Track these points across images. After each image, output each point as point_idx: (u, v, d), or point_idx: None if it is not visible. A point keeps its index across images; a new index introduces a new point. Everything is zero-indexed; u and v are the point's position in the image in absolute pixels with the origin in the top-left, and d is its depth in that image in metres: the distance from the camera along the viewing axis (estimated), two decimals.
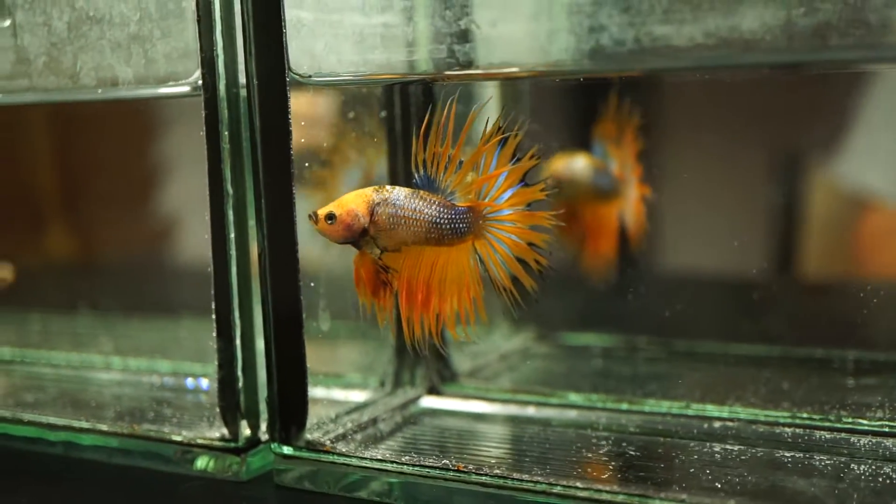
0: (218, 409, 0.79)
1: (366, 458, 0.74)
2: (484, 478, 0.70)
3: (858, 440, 0.75)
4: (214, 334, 0.77)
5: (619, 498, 0.67)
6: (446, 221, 0.70)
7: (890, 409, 0.78)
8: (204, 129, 0.75)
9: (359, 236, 0.70)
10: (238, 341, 0.77)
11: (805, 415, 0.79)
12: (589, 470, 0.73)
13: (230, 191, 0.75)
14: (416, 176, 0.70)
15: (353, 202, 0.70)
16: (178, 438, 0.80)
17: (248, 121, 0.74)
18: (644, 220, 0.88)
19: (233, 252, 0.76)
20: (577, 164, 0.88)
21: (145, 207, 1.02)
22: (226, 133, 0.75)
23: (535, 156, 0.69)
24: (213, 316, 0.77)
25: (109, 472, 0.81)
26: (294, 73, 0.73)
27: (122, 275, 1.06)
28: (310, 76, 0.73)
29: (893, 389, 0.84)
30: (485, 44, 0.75)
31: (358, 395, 0.84)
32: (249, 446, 0.78)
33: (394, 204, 0.70)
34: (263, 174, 0.74)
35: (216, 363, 0.78)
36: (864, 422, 0.77)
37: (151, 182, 1.00)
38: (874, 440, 0.75)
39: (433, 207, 0.70)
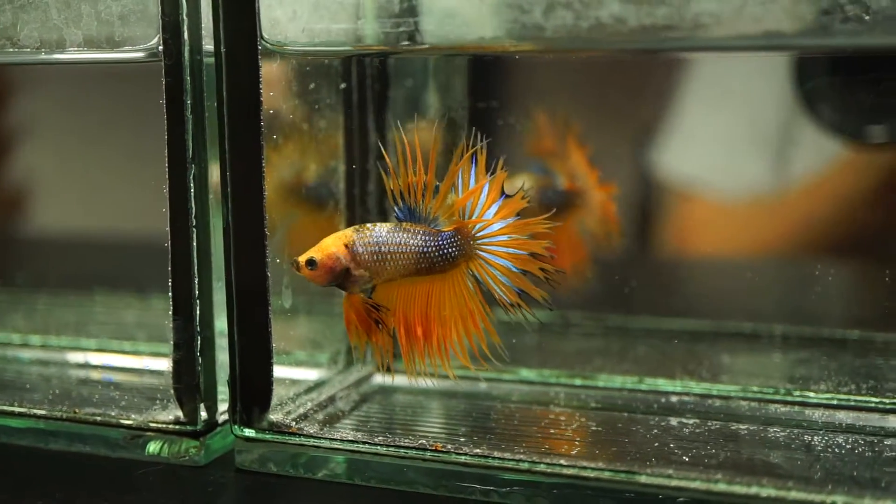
0: (172, 391, 0.75)
1: (336, 440, 0.72)
2: (463, 457, 0.70)
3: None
4: (171, 313, 0.74)
5: (590, 473, 0.67)
6: (434, 249, 0.69)
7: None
8: (164, 97, 0.71)
9: (343, 278, 0.70)
10: (198, 320, 0.74)
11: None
12: (555, 445, 0.73)
13: (192, 162, 0.72)
14: (396, 209, 0.69)
15: (332, 245, 0.70)
16: (128, 422, 0.76)
17: (217, 90, 0.70)
18: (616, 220, 0.87)
19: (194, 227, 0.73)
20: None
21: (84, 178, 0.96)
22: (189, 102, 0.71)
23: (504, 166, 0.68)
24: (170, 294, 0.74)
25: (51, 459, 0.77)
26: (266, 42, 0.70)
27: (48, 249, 1.00)
28: (284, 45, 0.70)
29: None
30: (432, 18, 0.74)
31: (311, 374, 0.82)
32: (208, 429, 0.75)
33: (375, 241, 0.69)
34: (230, 146, 0.71)
35: (172, 343, 0.74)
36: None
37: (93, 152, 0.94)
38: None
39: (418, 237, 0.69)
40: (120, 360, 0.90)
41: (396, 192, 0.69)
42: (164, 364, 0.86)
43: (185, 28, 0.70)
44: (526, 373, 0.85)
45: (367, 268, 0.70)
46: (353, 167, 0.83)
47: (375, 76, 0.84)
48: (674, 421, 0.76)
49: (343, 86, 0.81)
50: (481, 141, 0.68)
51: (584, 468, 0.67)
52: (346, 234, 0.70)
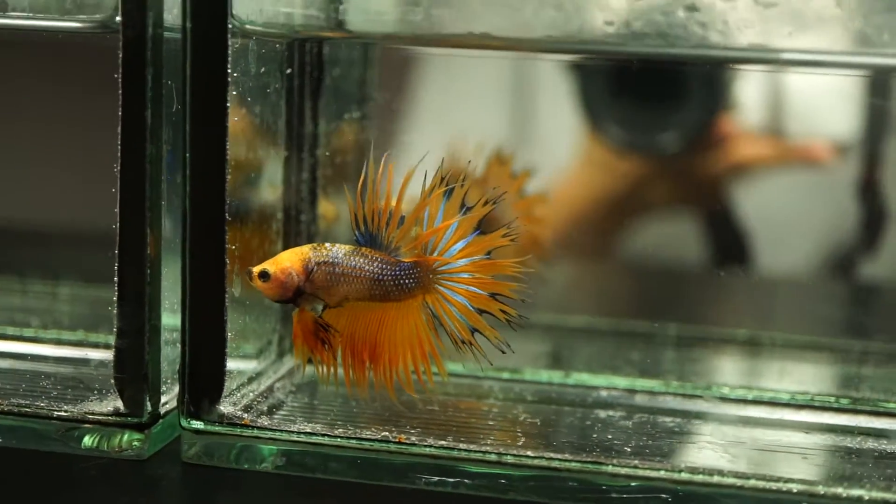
0: (113, 381, 0.72)
1: (291, 432, 0.71)
2: (428, 449, 0.69)
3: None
4: (115, 299, 0.70)
5: (527, 461, 0.68)
6: (389, 278, 0.69)
7: None
8: (121, 71, 0.68)
9: (295, 294, 0.70)
10: (147, 308, 0.70)
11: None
12: (500, 436, 0.73)
13: (150, 143, 0.68)
14: (357, 233, 0.69)
15: (288, 260, 0.70)
16: (62, 414, 0.72)
17: (182, 68, 0.67)
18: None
19: (147, 211, 0.69)
20: None
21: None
22: (149, 79, 0.68)
23: (488, 202, 0.68)
24: (116, 279, 0.70)
25: None
26: (236, 20, 0.67)
27: None
28: (256, 24, 0.68)
29: None
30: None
31: (243, 364, 0.80)
32: (153, 421, 0.72)
33: (332, 262, 0.69)
34: (192, 127, 0.68)
35: (115, 330, 0.71)
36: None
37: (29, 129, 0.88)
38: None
39: (375, 264, 0.69)
40: (42, 349, 0.85)
41: (360, 217, 0.69)
42: (94, 354, 0.83)
43: None
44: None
45: (320, 287, 0.70)
46: (292, 155, 0.81)
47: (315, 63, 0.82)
48: None
49: (288, 71, 0.79)
50: (461, 176, 0.68)
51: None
52: (303, 251, 0.70)
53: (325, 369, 0.71)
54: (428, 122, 0.93)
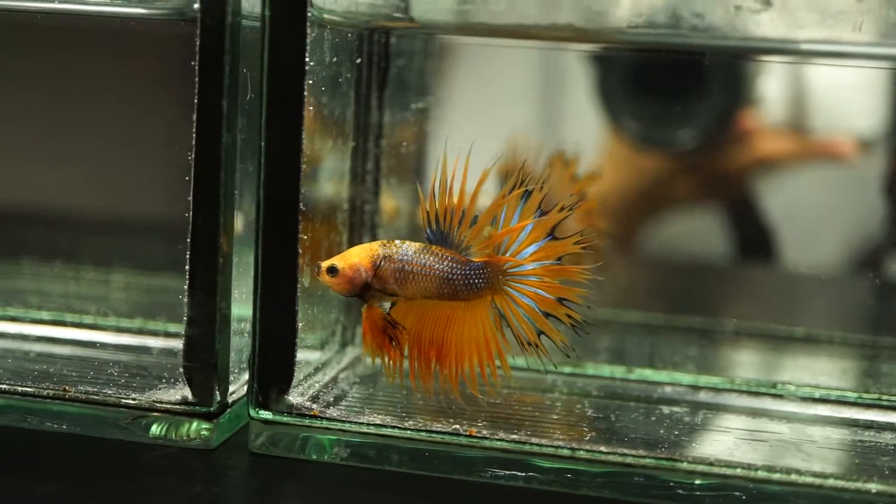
0: (182, 370, 0.71)
1: (361, 424, 0.70)
2: (500, 443, 0.69)
3: None
4: (186, 287, 0.70)
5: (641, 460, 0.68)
6: (460, 277, 0.69)
7: None
8: (198, 59, 0.67)
9: (362, 290, 0.69)
10: (218, 297, 0.70)
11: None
12: (567, 430, 0.73)
13: (225, 130, 0.68)
14: (428, 230, 0.69)
15: (357, 256, 0.69)
16: (130, 402, 0.72)
17: (260, 56, 0.67)
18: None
19: (221, 199, 0.69)
20: None
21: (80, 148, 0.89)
22: (227, 66, 0.67)
23: (564, 208, 0.68)
24: (187, 267, 0.70)
25: (45, 440, 0.72)
26: (314, 9, 0.67)
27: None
28: (334, 13, 0.68)
29: None
30: None
31: (310, 355, 0.79)
32: (221, 410, 0.72)
33: (401, 259, 0.69)
34: (268, 115, 0.68)
35: (185, 319, 0.71)
36: None
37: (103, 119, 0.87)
38: None
39: (445, 263, 0.69)
40: (109, 337, 0.84)
41: (431, 215, 0.69)
42: (158, 342, 0.83)
43: None
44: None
45: (388, 284, 0.69)
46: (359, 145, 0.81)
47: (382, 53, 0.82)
48: None
49: (358, 60, 0.79)
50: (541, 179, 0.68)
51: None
52: (371, 248, 0.70)
53: (392, 365, 0.70)
54: (483, 114, 0.92)
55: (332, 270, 0.70)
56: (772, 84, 0.90)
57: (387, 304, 0.71)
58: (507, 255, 0.69)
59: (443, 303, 0.70)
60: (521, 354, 0.71)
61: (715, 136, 0.90)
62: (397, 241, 0.70)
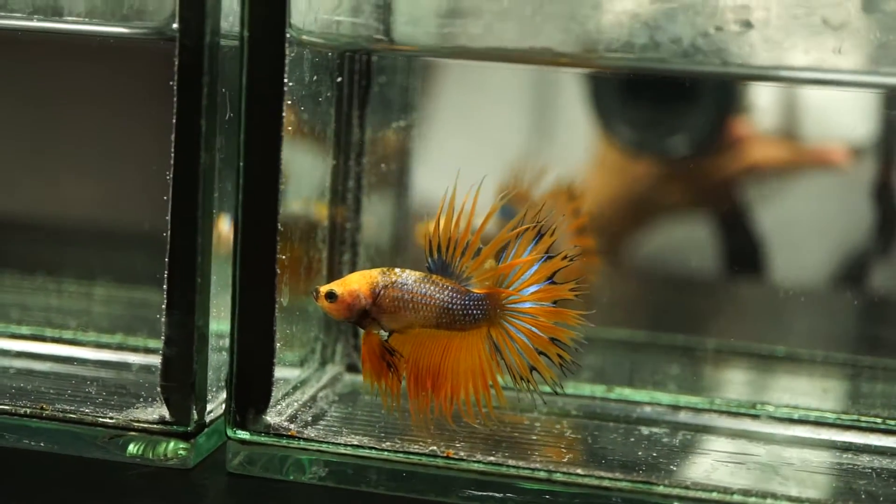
0: (159, 389, 0.71)
1: (340, 444, 0.70)
2: (475, 465, 0.69)
3: None
4: (164, 306, 0.70)
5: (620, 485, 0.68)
6: (459, 307, 0.69)
7: None
8: (176, 78, 0.67)
9: (360, 317, 0.69)
10: (196, 316, 0.70)
11: None
12: (546, 451, 0.73)
13: (205, 150, 0.68)
14: (430, 260, 0.69)
15: (356, 282, 0.69)
16: (107, 421, 0.72)
17: (238, 75, 0.67)
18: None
19: (199, 219, 0.69)
20: None
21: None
22: (205, 86, 0.67)
23: (567, 257, 0.69)
24: (165, 287, 0.70)
25: (21, 458, 0.72)
26: (293, 30, 0.67)
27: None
28: (313, 32, 0.68)
29: None
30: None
31: (288, 373, 0.79)
32: (198, 430, 0.72)
33: (400, 287, 0.69)
34: (247, 136, 0.68)
35: (163, 338, 0.70)
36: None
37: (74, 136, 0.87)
38: None
39: (445, 293, 0.69)
40: (89, 352, 0.84)
41: (434, 244, 0.69)
42: (138, 358, 0.83)
43: (207, 4, 0.66)
44: None
45: (386, 312, 0.69)
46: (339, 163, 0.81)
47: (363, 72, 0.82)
48: None
49: (339, 79, 0.79)
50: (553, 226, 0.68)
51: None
52: (371, 275, 0.70)
53: (389, 394, 0.70)
54: (467, 132, 0.92)
55: (331, 296, 0.70)
56: (761, 96, 0.91)
57: (383, 333, 0.71)
58: (511, 289, 0.69)
59: (439, 332, 0.70)
60: (513, 387, 0.71)
61: (707, 144, 0.90)
62: (397, 270, 0.70)
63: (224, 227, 0.74)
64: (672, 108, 0.89)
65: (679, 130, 0.89)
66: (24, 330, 0.88)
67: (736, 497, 0.65)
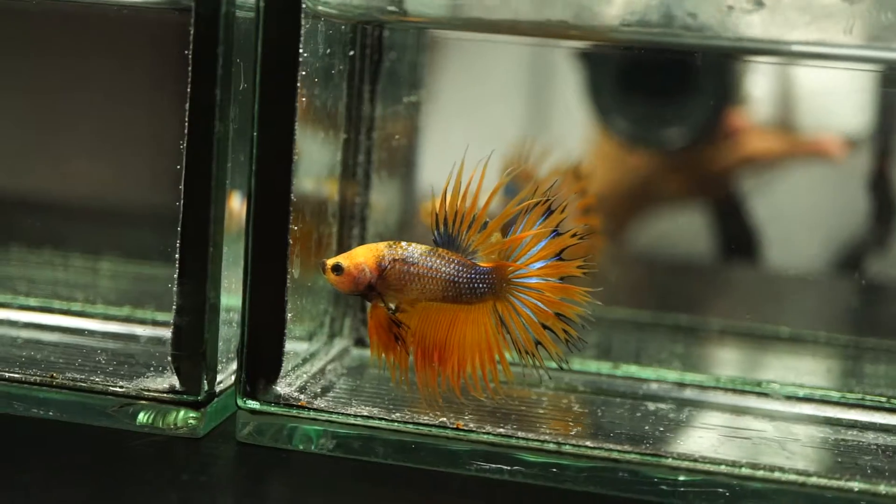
0: (170, 359, 0.71)
1: (349, 415, 0.71)
2: (485, 436, 0.69)
3: None
4: (176, 276, 0.70)
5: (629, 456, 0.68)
6: (465, 281, 0.69)
7: None
8: (192, 48, 0.67)
9: (367, 290, 0.70)
10: (207, 286, 0.70)
11: None
12: (554, 425, 0.73)
13: (217, 120, 0.68)
14: (436, 233, 0.69)
15: (362, 256, 0.70)
16: (117, 389, 0.72)
17: (254, 46, 0.67)
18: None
19: (212, 189, 0.69)
20: None
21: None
22: (220, 56, 0.67)
23: (576, 234, 0.69)
24: (177, 256, 0.70)
25: (32, 427, 0.72)
26: (309, 0, 0.67)
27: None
28: (329, 3, 0.68)
29: None
30: None
31: (298, 345, 0.79)
32: (209, 399, 0.72)
33: (406, 260, 0.69)
34: (261, 106, 0.68)
35: (174, 308, 0.71)
36: None
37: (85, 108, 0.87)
38: None
39: (451, 266, 0.69)
40: (97, 324, 0.84)
41: (440, 217, 0.69)
42: (146, 330, 0.83)
43: None
44: None
45: (392, 285, 0.70)
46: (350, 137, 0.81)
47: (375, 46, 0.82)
48: None
49: (351, 53, 0.79)
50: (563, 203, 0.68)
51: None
52: (377, 248, 0.70)
53: (397, 366, 0.71)
54: (476, 109, 0.93)
55: (337, 269, 0.70)
56: (760, 83, 0.91)
57: (390, 306, 0.71)
58: (518, 262, 0.69)
59: (445, 306, 0.70)
60: (518, 362, 0.71)
61: (703, 134, 0.90)
62: (403, 243, 0.70)
63: (235, 204, 0.74)
64: (670, 97, 0.89)
65: (679, 118, 0.90)
66: (33, 302, 0.88)
67: (744, 470, 0.66)
